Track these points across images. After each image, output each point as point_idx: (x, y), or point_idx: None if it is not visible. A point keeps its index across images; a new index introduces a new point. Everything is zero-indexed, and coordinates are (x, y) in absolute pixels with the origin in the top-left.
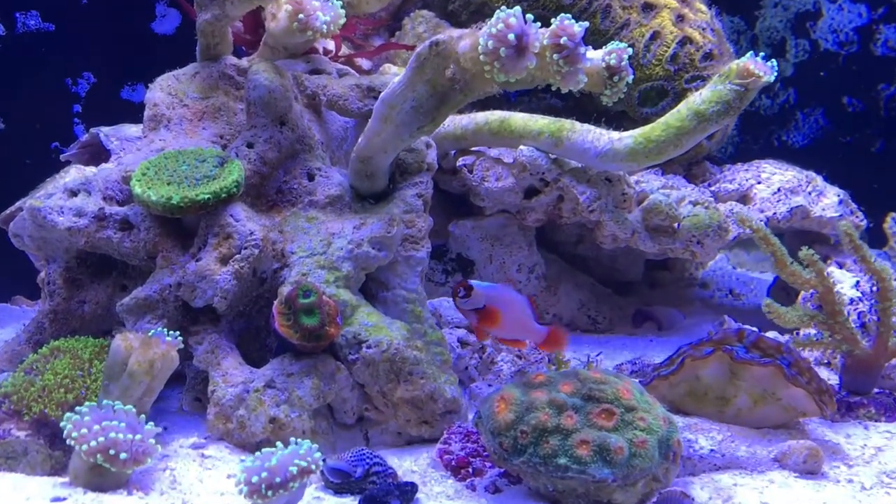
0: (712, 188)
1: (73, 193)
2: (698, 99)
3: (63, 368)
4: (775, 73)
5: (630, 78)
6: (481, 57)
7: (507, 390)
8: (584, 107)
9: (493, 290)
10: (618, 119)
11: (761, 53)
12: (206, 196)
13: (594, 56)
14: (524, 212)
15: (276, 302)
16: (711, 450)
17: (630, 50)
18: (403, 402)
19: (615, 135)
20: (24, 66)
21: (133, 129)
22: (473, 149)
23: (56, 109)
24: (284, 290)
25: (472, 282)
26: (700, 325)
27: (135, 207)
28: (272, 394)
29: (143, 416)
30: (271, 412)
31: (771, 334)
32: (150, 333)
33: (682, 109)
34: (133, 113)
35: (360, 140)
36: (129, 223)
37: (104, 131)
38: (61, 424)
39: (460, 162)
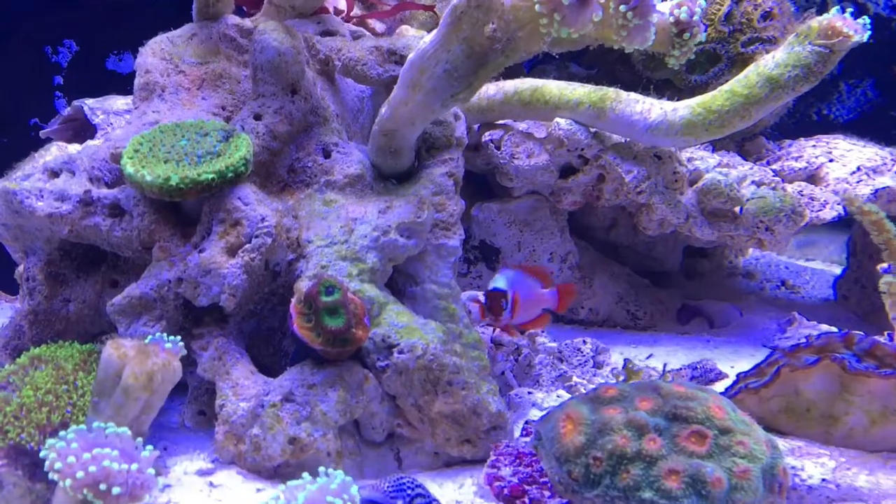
0: (773, 167)
1: (55, 174)
2: (771, 63)
3: (45, 382)
4: (868, 32)
5: (702, 36)
6: (537, 7)
7: (573, 407)
8: (615, 75)
9: (512, 282)
10: (660, 90)
11: (849, 9)
12: (210, 176)
13: (661, 9)
14: (559, 193)
15: (293, 300)
16: (823, 479)
17: (703, 2)
18: (442, 416)
19: (668, 105)
20: None
21: (121, 102)
22: (499, 122)
23: (34, 82)
24: (302, 285)
25: (497, 286)
26: (760, 322)
27: (126, 190)
28: (291, 409)
29: (139, 439)
30: (291, 431)
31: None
32: (147, 339)
33: (751, 75)
34: (120, 85)
35: (382, 111)
36: (119, 208)
37: (89, 103)
38: (42, 453)
39: (486, 137)
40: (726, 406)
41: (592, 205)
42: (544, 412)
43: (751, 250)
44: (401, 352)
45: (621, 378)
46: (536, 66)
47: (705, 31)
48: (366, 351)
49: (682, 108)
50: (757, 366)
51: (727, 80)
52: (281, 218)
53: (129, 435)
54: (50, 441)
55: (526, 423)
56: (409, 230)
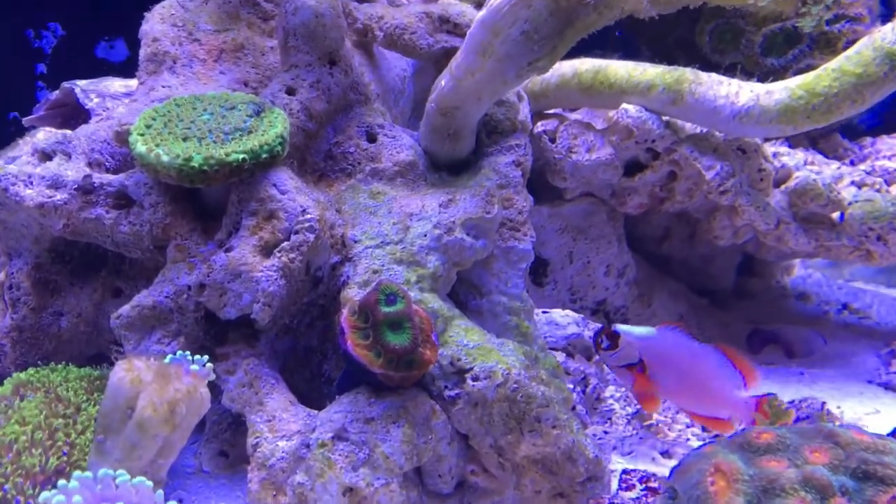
0: (860, 167)
1: (47, 156)
2: (890, 35)
3: (35, 415)
4: None
5: None
6: None
7: (722, 457)
8: (673, 61)
9: (654, 339)
10: (728, 75)
11: None
12: (241, 156)
13: None
14: (622, 194)
15: (345, 311)
16: None
17: None
18: (530, 462)
19: (760, 87)
20: None
21: (119, 84)
22: (550, 112)
23: (14, 70)
24: (352, 293)
25: (621, 327)
26: (848, 351)
27: (135, 175)
28: (346, 450)
29: (160, 492)
30: (347, 479)
31: None
32: (167, 359)
33: (865, 51)
34: (111, 75)
35: (441, 83)
36: (127, 198)
37: (81, 85)
38: None
39: (539, 127)
40: None
41: (656, 209)
42: (677, 463)
43: (797, 269)
44: (475, 378)
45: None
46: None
47: None
48: (429, 376)
49: (778, 91)
50: None
51: (809, 64)
52: (324, 211)
53: (148, 486)
54: (44, 495)
55: (624, 472)
56: (478, 228)
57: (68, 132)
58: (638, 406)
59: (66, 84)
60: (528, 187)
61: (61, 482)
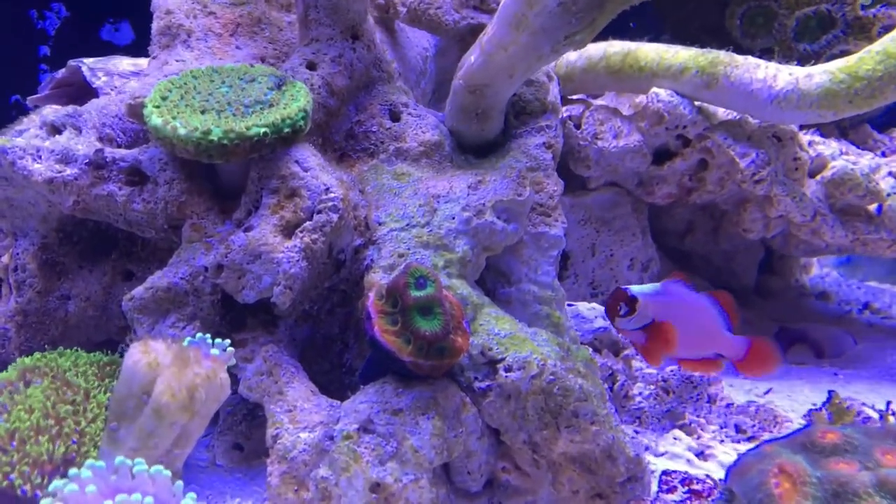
0: (894, 158)
1: (56, 130)
2: None
3: (42, 402)
4: None
5: None
6: None
7: (786, 457)
8: (696, 43)
9: (664, 296)
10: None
11: None
12: (262, 129)
13: None
14: (650, 183)
15: (372, 295)
16: None
17: None
18: (567, 460)
19: (800, 70)
20: None
21: (127, 63)
22: (575, 97)
23: (16, 52)
24: (377, 277)
25: (632, 288)
26: (878, 352)
27: (150, 150)
28: (372, 442)
29: (179, 483)
30: (374, 473)
31: None
32: (185, 342)
33: None
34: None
35: (470, 59)
36: (140, 173)
37: (87, 63)
38: (43, 502)
39: (563, 113)
40: None
41: (682, 200)
42: (734, 461)
43: (815, 267)
44: (508, 369)
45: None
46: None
47: None
48: (458, 367)
49: (818, 74)
50: None
51: (843, 50)
52: (348, 191)
53: (166, 476)
54: (55, 484)
55: (664, 473)
56: (509, 211)
57: (78, 107)
58: (669, 405)
59: (72, 62)
60: None
61: (72, 471)
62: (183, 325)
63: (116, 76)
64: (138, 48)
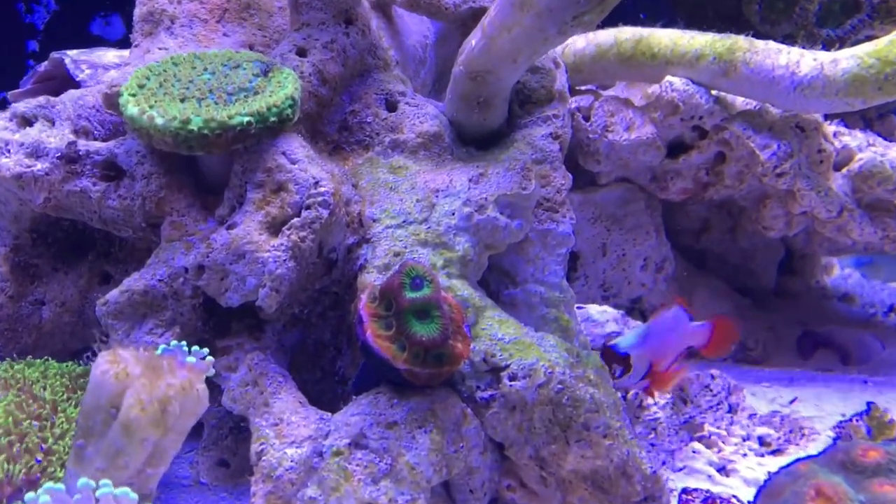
0: None
1: (27, 122)
2: None
3: (5, 417)
4: None
5: None
6: None
7: (824, 477)
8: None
9: (648, 340)
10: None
11: None
12: (245, 118)
13: None
14: (664, 178)
15: (364, 297)
16: None
17: None
18: (577, 477)
19: (824, 56)
20: None
21: (112, 55)
22: (584, 88)
23: (3, 47)
24: (369, 278)
25: (620, 344)
26: None
27: (126, 142)
28: (365, 459)
29: None
30: (366, 493)
31: None
32: (159, 350)
33: None
34: None
35: (472, 43)
36: (116, 167)
37: (71, 55)
38: None
39: (571, 104)
40: None
41: (698, 196)
42: (764, 481)
43: (836, 268)
44: (513, 377)
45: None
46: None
47: None
48: (459, 375)
49: (845, 59)
50: None
51: (869, 35)
52: (339, 185)
53: (133, 499)
54: None
55: (684, 491)
56: (513, 206)
57: (52, 97)
58: (687, 415)
59: (55, 54)
60: None
61: (29, 495)
62: (161, 331)
63: (101, 69)
64: (130, 43)
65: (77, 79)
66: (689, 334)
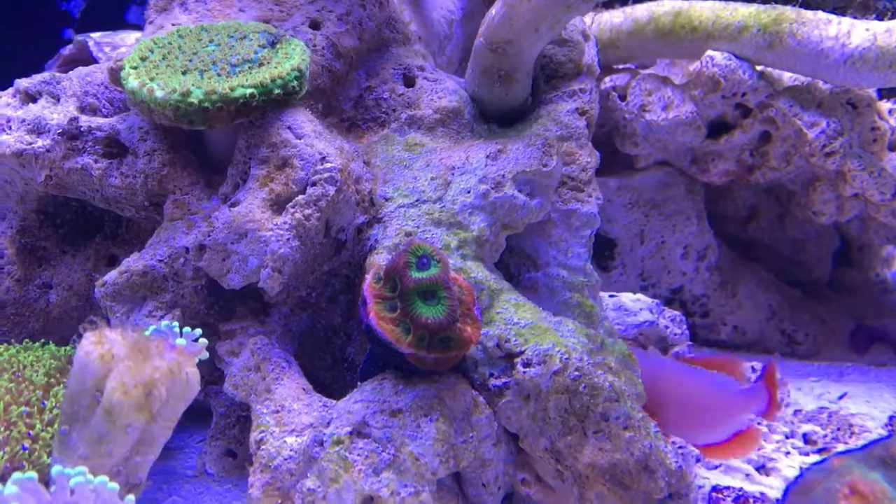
0: None
1: (30, 98)
2: None
3: None
4: None
5: None
6: None
7: (860, 473)
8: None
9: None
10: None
11: None
12: (248, 90)
13: None
14: (705, 160)
15: (369, 277)
16: None
17: None
18: (595, 471)
19: (878, 26)
20: None
21: (134, 37)
22: (621, 67)
23: (39, 34)
24: (379, 259)
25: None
26: None
27: (129, 118)
28: (366, 448)
29: (130, 497)
30: (366, 485)
31: None
32: (147, 331)
33: None
34: None
35: (491, 12)
36: (119, 144)
37: (94, 38)
38: None
39: (606, 83)
40: None
41: (744, 179)
42: (795, 477)
43: None
44: (527, 364)
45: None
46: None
47: None
48: (471, 361)
49: None
50: None
51: None
52: (348, 161)
53: (112, 490)
54: None
55: (714, 489)
56: (532, 184)
57: (58, 74)
58: None
59: (79, 37)
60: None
61: (5, 486)
62: (161, 313)
63: (123, 50)
64: None
65: (99, 61)
66: (737, 403)
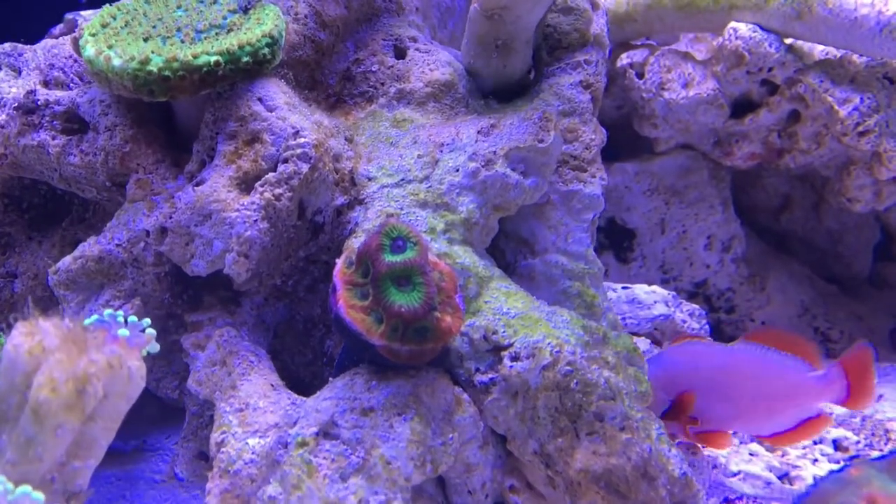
0: None
1: None
2: None
3: None
4: None
5: None
6: None
7: (879, 485)
8: None
9: (678, 365)
10: None
11: None
12: (213, 58)
13: None
14: (728, 142)
15: (339, 261)
16: None
17: None
18: (588, 478)
19: None
20: None
21: None
22: (640, 43)
23: (45, 19)
24: (356, 243)
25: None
26: None
27: (90, 90)
28: (333, 451)
29: None
30: (331, 493)
31: None
32: (87, 321)
33: None
34: None
35: None
36: (79, 119)
37: (84, 15)
38: None
39: (623, 60)
40: None
41: (771, 164)
42: (808, 487)
43: None
44: (515, 357)
45: None
46: None
47: None
48: (456, 355)
49: None
50: None
51: None
52: (326, 137)
53: (38, 499)
54: None
55: (726, 500)
56: (527, 161)
57: (20, 45)
58: None
59: (68, 15)
60: (610, 140)
61: None
62: (120, 302)
63: None
64: None
65: None
66: (804, 388)
